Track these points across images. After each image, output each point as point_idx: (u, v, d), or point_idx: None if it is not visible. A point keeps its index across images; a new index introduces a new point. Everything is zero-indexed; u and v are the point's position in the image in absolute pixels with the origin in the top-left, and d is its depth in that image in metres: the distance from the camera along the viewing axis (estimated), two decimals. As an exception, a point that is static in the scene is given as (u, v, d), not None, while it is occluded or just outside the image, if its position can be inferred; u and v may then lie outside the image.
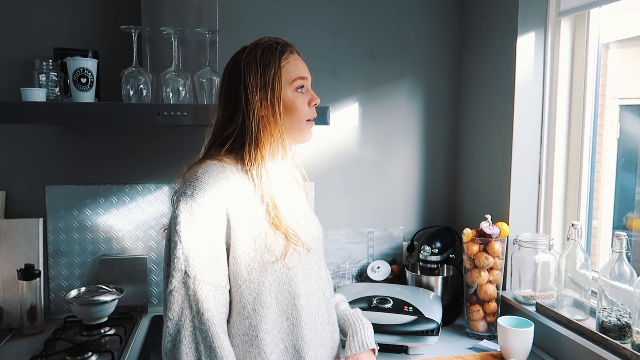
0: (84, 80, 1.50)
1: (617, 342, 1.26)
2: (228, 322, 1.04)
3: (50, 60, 1.57)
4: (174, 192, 1.10)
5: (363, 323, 1.21)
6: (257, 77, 1.06)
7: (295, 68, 1.10)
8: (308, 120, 1.12)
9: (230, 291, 1.04)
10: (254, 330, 1.02)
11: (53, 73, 1.57)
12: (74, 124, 1.76)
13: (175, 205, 1.02)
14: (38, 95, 1.46)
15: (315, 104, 1.13)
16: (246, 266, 1.02)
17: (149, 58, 1.62)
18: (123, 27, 1.55)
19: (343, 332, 1.22)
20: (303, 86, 1.11)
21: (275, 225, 1.04)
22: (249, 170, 1.05)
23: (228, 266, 1.03)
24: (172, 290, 0.97)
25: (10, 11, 1.69)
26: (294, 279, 1.06)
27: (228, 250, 1.03)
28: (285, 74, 1.08)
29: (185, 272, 0.96)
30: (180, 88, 1.57)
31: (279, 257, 1.03)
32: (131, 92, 1.55)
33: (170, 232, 1.01)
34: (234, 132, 1.07)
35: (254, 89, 1.06)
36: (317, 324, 1.10)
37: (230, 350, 0.98)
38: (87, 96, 1.52)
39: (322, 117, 1.57)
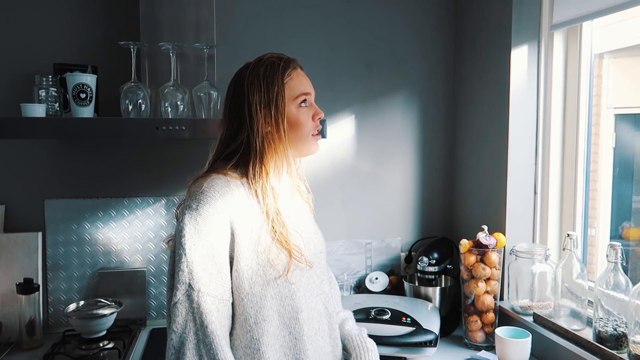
0: (83, 96, 1.52)
1: (614, 352, 1.26)
2: (231, 334, 1.04)
3: (50, 76, 1.59)
4: (178, 205, 1.11)
5: (367, 346, 1.20)
6: (260, 94, 1.07)
7: (298, 84, 1.11)
8: (314, 134, 1.14)
9: (233, 304, 1.04)
10: (256, 343, 1.02)
11: (53, 88, 1.58)
12: (73, 138, 1.77)
13: (180, 218, 1.02)
14: (38, 110, 1.48)
15: (320, 118, 1.14)
16: (249, 280, 1.02)
17: (148, 73, 1.64)
18: (122, 42, 1.57)
19: (347, 353, 1.22)
20: (306, 100, 1.12)
21: (280, 242, 1.04)
22: (254, 186, 1.06)
23: (231, 279, 1.03)
24: (176, 303, 0.98)
25: (10, 27, 1.72)
26: (297, 294, 1.06)
27: (231, 263, 1.03)
28: (288, 91, 1.09)
29: (190, 285, 0.97)
30: (179, 102, 1.59)
31: (281, 273, 1.04)
32: (130, 107, 1.57)
33: (175, 245, 1.02)
34: (238, 148, 1.08)
35: (258, 106, 1.06)
36: (319, 339, 1.10)
37: None
38: (87, 111, 1.53)
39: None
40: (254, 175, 1.06)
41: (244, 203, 1.04)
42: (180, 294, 0.97)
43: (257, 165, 1.06)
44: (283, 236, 1.04)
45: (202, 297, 0.97)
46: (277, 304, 1.04)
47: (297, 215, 1.14)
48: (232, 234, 1.02)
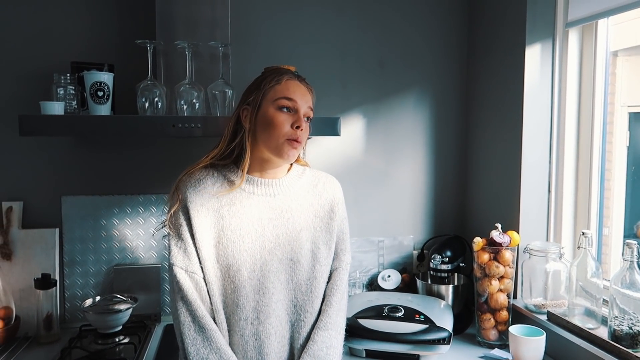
0: (100, 94, 1.54)
1: (630, 350, 1.26)
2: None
3: (68, 74, 1.61)
4: None
5: None
6: (246, 95, 1.23)
7: (284, 89, 1.17)
8: (289, 139, 1.16)
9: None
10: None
11: (71, 86, 1.60)
12: (90, 136, 1.80)
13: None
14: (56, 108, 1.50)
15: (298, 126, 1.16)
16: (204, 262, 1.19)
17: (163, 71, 1.66)
18: (138, 41, 1.59)
19: None
20: (288, 107, 1.16)
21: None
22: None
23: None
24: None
25: (29, 26, 1.74)
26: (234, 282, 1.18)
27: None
28: (272, 93, 1.17)
29: (170, 261, 1.19)
30: (194, 100, 1.60)
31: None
32: (146, 105, 1.59)
33: None
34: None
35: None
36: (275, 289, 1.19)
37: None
38: (104, 109, 1.55)
39: (332, 128, 1.60)
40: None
41: (205, 192, 1.21)
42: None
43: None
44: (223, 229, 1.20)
45: (174, 269, 1.18)
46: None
47: (261, 217, 1.21)
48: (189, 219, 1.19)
